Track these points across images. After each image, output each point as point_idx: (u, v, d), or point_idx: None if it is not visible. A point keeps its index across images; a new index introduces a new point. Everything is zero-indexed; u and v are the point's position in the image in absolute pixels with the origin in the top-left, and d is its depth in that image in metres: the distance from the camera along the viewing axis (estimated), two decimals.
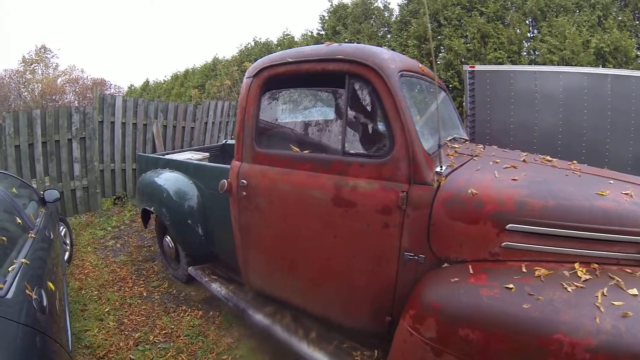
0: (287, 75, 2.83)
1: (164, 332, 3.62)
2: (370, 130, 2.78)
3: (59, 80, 26.06)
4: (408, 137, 2.29)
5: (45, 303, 2.11)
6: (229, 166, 3.20)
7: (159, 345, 3.41)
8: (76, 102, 24.69)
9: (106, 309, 4.01)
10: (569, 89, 6.19)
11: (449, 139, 3.10)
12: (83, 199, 7.19)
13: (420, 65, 3.13)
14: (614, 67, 9.55)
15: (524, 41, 11.64)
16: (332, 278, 2.67)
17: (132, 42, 65.13)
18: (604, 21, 11.07)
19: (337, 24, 15.14)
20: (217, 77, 18.21)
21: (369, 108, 2.67)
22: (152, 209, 4.23)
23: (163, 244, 4.53)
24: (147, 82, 28.46)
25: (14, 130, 6.18)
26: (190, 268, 3.98)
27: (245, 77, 3.05)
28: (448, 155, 2.68)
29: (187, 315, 3.86)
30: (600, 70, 7.07)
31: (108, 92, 22.35)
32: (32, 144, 6.41)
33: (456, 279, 2.00)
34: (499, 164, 2.57)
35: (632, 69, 9.08)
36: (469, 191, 2.16)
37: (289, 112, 3.62)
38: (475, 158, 2.76)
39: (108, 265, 5.12)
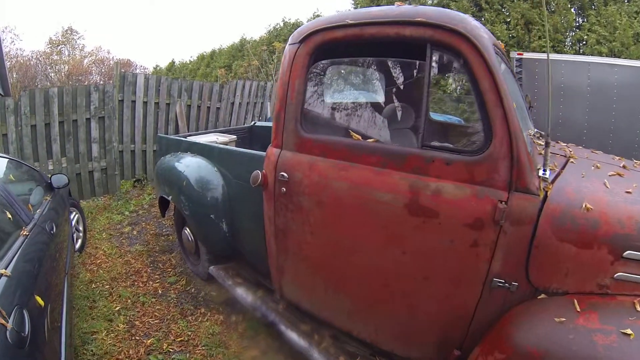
0: (346, 41, 2.29)
1: (179, 339, 3.17)
2: (458, 117, 2.27)
3: (85, 61, 26.48)
4: (512, 129, 1.79)
5: (27, 331, 1.58)
6: (262, 153, 2.72)
7: (173, 356, 2.97)
8: (102, 82, 24.71)
9: (117, 308, 3.58)
10: (624, 83, 5.71)
11: (531, 133, 2.52)
12: (101, 181, 6.83)
13: (499, 42, 2.60)
14: None
15: (570, 30, 11.17)
16: (392, 300, 2.20)
17: (158, 23, 65.09)
18: None
19: (370, 4, 14.48)
20: (245, 58, 18.04)
21: (457, 88, 2.15)
22: (169, 198, 3.77)
23: (182, 236, 4.05)
24: (172, 63, 28.46)
25: (29, 109, 5.87)
26: (211, 267, 3.51)
27: (288, 44, 2.53)
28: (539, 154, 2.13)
29: (207, 320, 3.41)
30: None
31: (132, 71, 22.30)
32: (49, 123, 6.09)
33: (562, 318, 1.60)
34: (602, 170, 2.19)
35: None
36: (583, 205, 1.73)
37: (347, 88, 3.09)
38: (572, 160, 2.31)
39: (122, 255, 4.70)
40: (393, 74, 3.07)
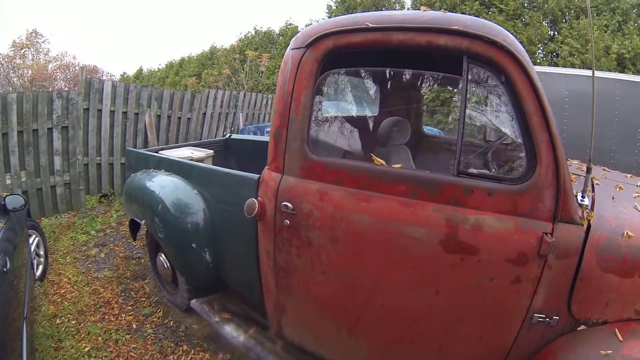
0: (364, 47, 1.99)
1: None
2: (499, 141, 2.04)
3: (50, 66, 25.96)
4: (558, 155, 1.67)
5: None
6: (253, 176, 2.40)
7: None
8: (67, 88, 24.01)
9: (86, 348, 3.14)
10: (600, 95, 5.69)
11: None
12: (64, 197, 6.30)
13: None
14: (634, 74, 9.43)
15: (543, 42, 11.58)
16: (419, 342, 2.01)
17: (126, 30, 64.26)
18: (624, 26, 11.18)
19: (344, 15, 14.35)
20: (215, 66, 17.82)
21: (497, 107, 1.91)
22: (142, 222, 3.36)
23: (156, 263, 3.64)
24: (140, 70, 28.09)
25: None
26: (193, 301, 3.11)
27: (290, 49, 2.21)
28: None
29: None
30: (633, 77, 6.65)
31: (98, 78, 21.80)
32: (7, 133, 5.53)
33: (608, 351, 1.57)
34: (626, 191, 2.18)
35: None
36: (625, 233, 1.70)
37: (365, 103, 2.79)
38: (597, 182, 2.26)
39: (89, 282, 4.24)
40: (424, 88, 2.79)
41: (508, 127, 1.86)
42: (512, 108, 1.73)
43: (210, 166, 3.19)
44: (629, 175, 2.64)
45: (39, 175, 5.93)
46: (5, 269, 2.33)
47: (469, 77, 1.77)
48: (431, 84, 3.01)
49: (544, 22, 11.91)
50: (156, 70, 26.08)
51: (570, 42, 10.79)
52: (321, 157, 2.11)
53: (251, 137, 5.45)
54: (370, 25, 1.91)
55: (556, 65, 10.89)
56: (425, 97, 2.92)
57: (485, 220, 1.73)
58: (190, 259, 2.97)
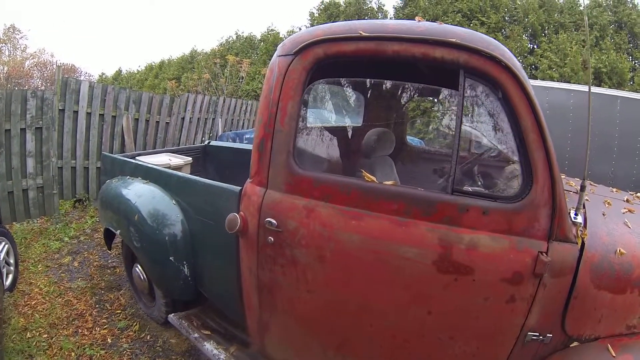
0: (356, 57, 1.92)
1: None
2: (494, 158, 2.04)
3: (26, 64, 25.32)
4: (554, 173, 1.66)
5: None
6: (235, 188, 2.30)
7: None
8: (43, 87, 23.51)
9: None
10: (579, 107, 5.98)
11: None
12: (37, 201, 6.04)
13: None
14: (609, 88, 9.78)
15: (522, 55, 11.89)
16: None
17: (106, 29, 63.52)
18: (601, 42, 11.60)
19: (327, 22, 14.32)
20: (195, 70, 17.69)
21: (493, 124, 1.87)
22: (117, 232, 3.21)
23: (132, 274, 3.48)
24: (119, 72, 27.82)
25: None
26: (171, 316, 2.96)
27: (277, 55, 2.10)
28: None
29: None
30: (609, 91, 6.95)
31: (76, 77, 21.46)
32: None
33: None
34: (614, 206, 2.22)
35: (627, 90, 9.21)
36: (617, 250, 1.72)
37: (348, 113, 2.69)
38: (586, 198, 2.24)
39: (62, 293, 4.05)
40: (418, 103, 2.73)
41: (503, 144, 1.83)
42: (508, 124, 1.71)
43: (190, 176, 3.04)
44: (614, 190, 2.70)
45: (10, 178, 5.66)
46: None
47: (465, 93, 1.73)
48: (413, 93, 2.94)
49: (524, 36, 12.44)
50: (135, 72, 25.89)
51: (550, 55, 11.16)
52: (308, 171, 2.02)
53: (231, 144, 5.32)
54: (364, 34, 1.82)
55: (535, 77, 11.16)
56: (406, 106, 2.85)
57: (480, 240, 1.69)
58: (167, 273, 2.84)
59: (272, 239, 2.02)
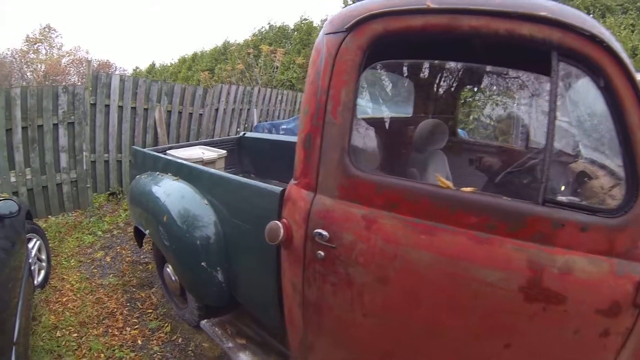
0: (424, 34, 1.58)
1: None
2: (591, 161, 1.66)
3: (63, 61, 25.96)
4: None
5: None
6: (276, 188, 2.05)
7: None
8: (80, 83, 24.05)
9: None
10: None
11: None
12: (71, 195, 6.04)
13: None
14: None
15: None
16: None
17: (140, 25, 64.18)
18: None
19: None
20: (228, 61, 17.56)
21: (589, 119, 1.55)
22: (146, 232, 3.07)
23: (163, 274, 3.35)
24: (153, 65, 27.99)
25: None
26: (203, 322, 2.79)
27: (324, 34, 1.80)
28: None
29: None
30: None
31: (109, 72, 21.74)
32: (11, 129, 5.27)
33: None
34: None
35: None
36: None
37: (400, 104, 2.41)
38: None
39: (93, 290, 3.97)
40: (500, 88, 2.36)
41: (603, 144, 1.50)
42: (610, 120, 1.39)
43: (223, 173, 2.81)
44: None
45: (44, 173, 5.68)
46: None
47: (559, 79, 1.40)
48: (483, 80, 2.56)
49: None
50: (169, 65, 25.99)
51: None
52: (368, 173, 1.71)
53: (267, 136, 5.12)
54: (432, 6, 1.51)
55: None
56: (476, 95, 2.50)
57: (576, 263, 1.38)
58: (199, 278, 2.66)
59: (323, 254, 1.74)
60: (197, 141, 5.34)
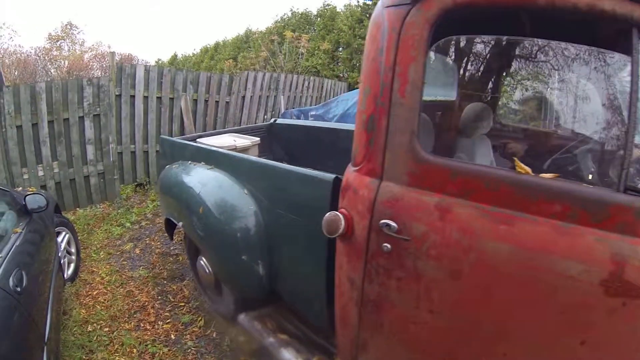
0: (496, 8, 1.47)
1: None
2: None
3: (85, 57, 26.10)
4: None
5: None
6: (328, 176, 1.91)
7: None
8: (106, 75, 24.45)
9: None
10: None
11: None
12: (98, 187, 6.01)
13: None
14: None
15: None
16: None
17: (160, 17, 64.66)
18: None
19: None
20: (251, 49, 17.51)
21: None
22: (180, 224, 2.95)
23: (197, 267, 3.22)
24: (175, 56, 28.17)
25: (14, 107, 5.03)
26: (242, 316, 2.66)
27: (384, 7, 1.63)
28: None
29: None
30: None
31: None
32: (37, 123, 5.26)
33: None
34: None
35: None
36: None
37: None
38: None
39: (124, 282, 3.89)
40: (575, 67, 2.15)
41: None
42: None
43: (266, 161, 2.62)
44: None
45: (71, 166, 5.67)
46: (19, 289, 1.94)
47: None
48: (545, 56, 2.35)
49: None
50: (191, 55, 26.18)
51: None
52: (440, 158, 1.57)
53: (299, 122, 4.97)
54: None
55: None
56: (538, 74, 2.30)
57: None
58: (239, 271, 2.53)
59: (389, 247, 1.60)
60: (226, 129, 5.21)
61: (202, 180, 2.77)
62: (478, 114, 2.33)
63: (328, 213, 1.73)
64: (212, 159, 2.94)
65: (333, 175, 1.91)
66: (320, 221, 1.76)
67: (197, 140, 3.78)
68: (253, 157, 2.66)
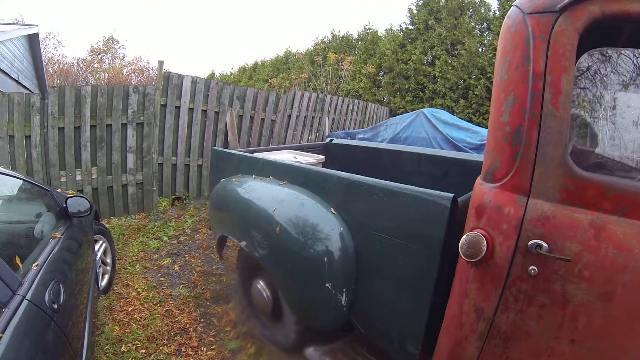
0: None
1: None
2: None
3: (124, 71, 26.64)
4: None
5: None
6: (446, 195, 1.72)
7: None
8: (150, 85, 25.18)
9: None
10: None
11: None
12: (136, 197, 5.84)
13: None
14: None
15: None
16: None
17: (199, 35, 66.22)
18: None
19: (428, 18, 13.92)
20: (290, 71, 17.43)
21: None
22: (243, 245, 2.66)
23: (251, 292, 2.92)
24: (212, 74, 28.38)
25: (58, 109, 4.96)
26: (310, 350, 2.32)
27: (525, 13, 1.53)
28: None
29: None
30: None
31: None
32: (79, 127, 5.18)
33: None
34: None
35: None
36: None
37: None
38: None
39: (162, 300, 3.62)
40: None
41: None
42: None
43: (364, 178, 2.24)
44: None
45: (110, 173, 5.55)
46: (55, 306, 1.66)
47: None
48: None
49: None
50: (228, 74, 26.35)
51: None
52: (593, 173, 1.42)
53: (356, 142, 4.76)
54: None
55: None
56: None
57: None
58: (318, 300, 2.23)
59: (536, 269, 1.45)
60: (281, 145, 5.00)
61: (276, 197, 2.50)
62: None
63: (468, 234, 1.55)
64: (286, 174, 2.68)
65: (451, 195, 1.70)
66: (432, 244, 1.69)
67: (253, 154, 3.55)
68: (344, 174, 2.35)
